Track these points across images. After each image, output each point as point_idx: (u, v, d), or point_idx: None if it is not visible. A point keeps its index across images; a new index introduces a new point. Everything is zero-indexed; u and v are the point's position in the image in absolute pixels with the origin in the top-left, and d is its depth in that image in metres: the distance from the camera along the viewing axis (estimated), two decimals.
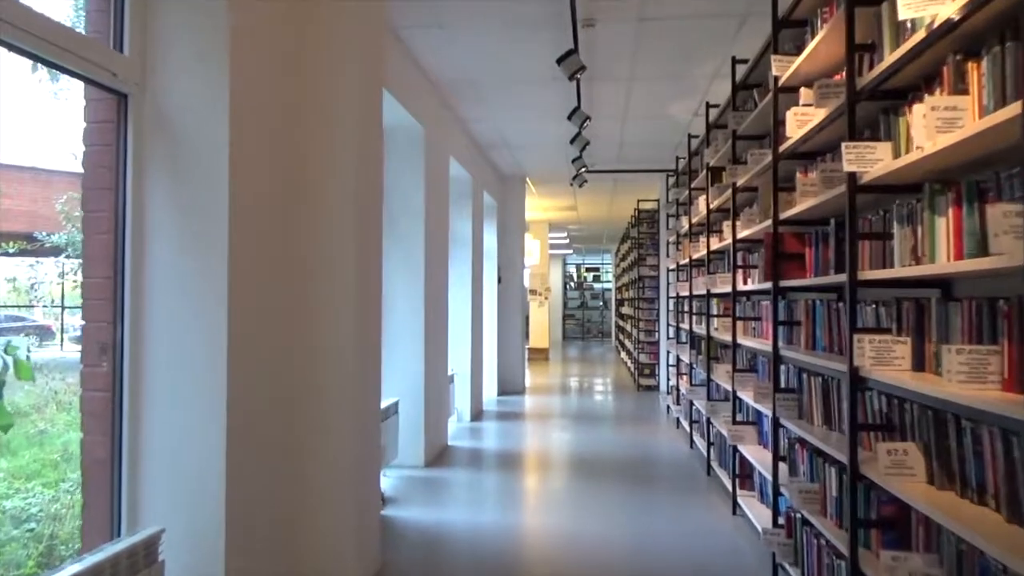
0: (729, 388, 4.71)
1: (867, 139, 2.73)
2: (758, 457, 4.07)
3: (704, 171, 5.69)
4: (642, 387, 10.72)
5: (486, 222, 9.69)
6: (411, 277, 5.69)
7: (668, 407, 8.47)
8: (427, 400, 5.81)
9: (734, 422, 4.55)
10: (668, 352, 8.53)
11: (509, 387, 10.35)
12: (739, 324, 4.64)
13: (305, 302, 3.19)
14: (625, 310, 15.26)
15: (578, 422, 8.09)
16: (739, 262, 4.67)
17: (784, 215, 3.49)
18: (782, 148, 3.51)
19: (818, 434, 3.03)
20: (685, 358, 7.06)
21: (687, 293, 6.87)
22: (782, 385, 3.59)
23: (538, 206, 13.48)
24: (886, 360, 2.36)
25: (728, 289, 4.80)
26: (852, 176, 2.56)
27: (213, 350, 2.60)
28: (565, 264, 25.89)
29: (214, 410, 2.58)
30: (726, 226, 4.89)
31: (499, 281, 10.01)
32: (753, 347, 4.31)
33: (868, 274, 2.54)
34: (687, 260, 6.71)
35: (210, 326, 2.61)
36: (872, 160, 2.45)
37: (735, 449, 4.52)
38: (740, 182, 4.45)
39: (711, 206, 5.40)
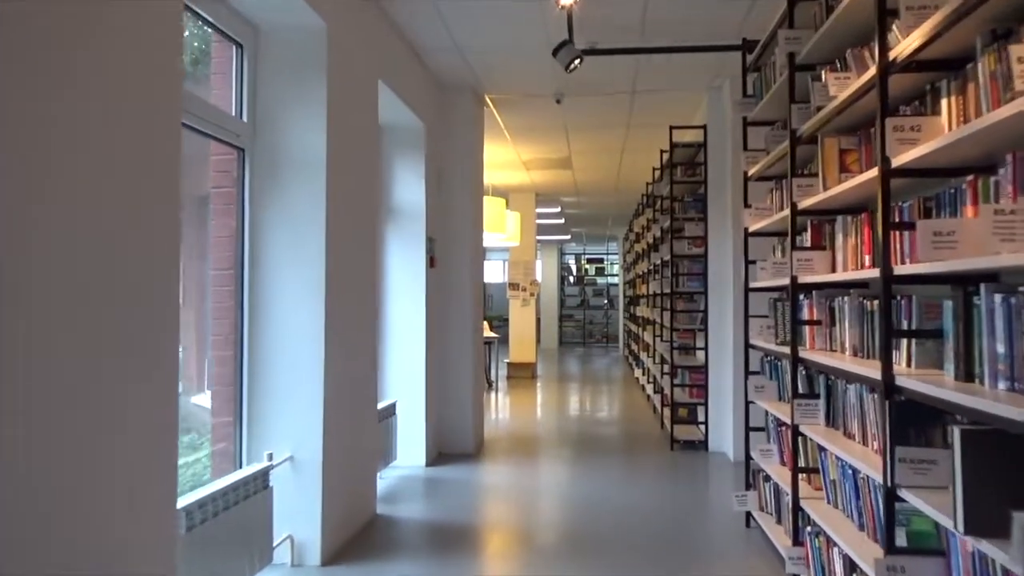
0: None
1: None
2: None
3: None
4: (678, 444, 6.40)
5: (400, 158, 5.38)
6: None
7: (749, 516, 4.16)
8: None
9: None
10: (749, 403, 4.17)
11: (452, 446, 6.04)
12: None
13: None
14: (640, 311, 10.90)
15: (566, 569, 3.78)
16: None
17: None
18: None
19: None
20: (820, 437, 2.77)
21: (831, 276, 2.60)
22: None
23: (515, 160, 9.13)
24: None
25: None
26: None
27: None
28: (562, 254, 21.55)
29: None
30: None
31: (431, 264, 5.71)
32: None
33: None
34: (841, 190, 2.42)
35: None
36: None
37: None
38: None
39: None
